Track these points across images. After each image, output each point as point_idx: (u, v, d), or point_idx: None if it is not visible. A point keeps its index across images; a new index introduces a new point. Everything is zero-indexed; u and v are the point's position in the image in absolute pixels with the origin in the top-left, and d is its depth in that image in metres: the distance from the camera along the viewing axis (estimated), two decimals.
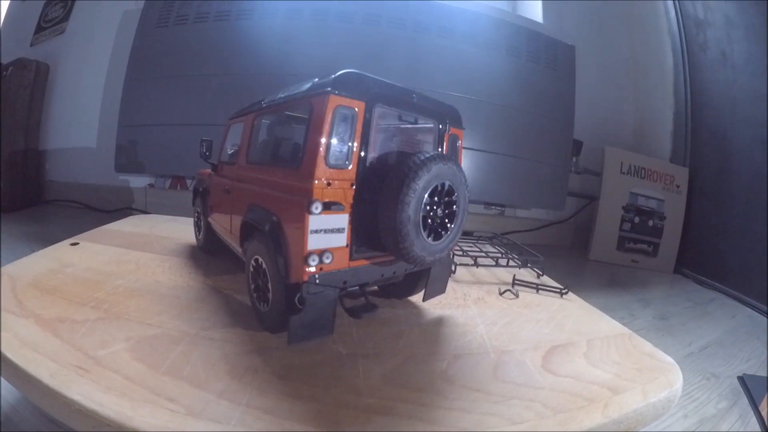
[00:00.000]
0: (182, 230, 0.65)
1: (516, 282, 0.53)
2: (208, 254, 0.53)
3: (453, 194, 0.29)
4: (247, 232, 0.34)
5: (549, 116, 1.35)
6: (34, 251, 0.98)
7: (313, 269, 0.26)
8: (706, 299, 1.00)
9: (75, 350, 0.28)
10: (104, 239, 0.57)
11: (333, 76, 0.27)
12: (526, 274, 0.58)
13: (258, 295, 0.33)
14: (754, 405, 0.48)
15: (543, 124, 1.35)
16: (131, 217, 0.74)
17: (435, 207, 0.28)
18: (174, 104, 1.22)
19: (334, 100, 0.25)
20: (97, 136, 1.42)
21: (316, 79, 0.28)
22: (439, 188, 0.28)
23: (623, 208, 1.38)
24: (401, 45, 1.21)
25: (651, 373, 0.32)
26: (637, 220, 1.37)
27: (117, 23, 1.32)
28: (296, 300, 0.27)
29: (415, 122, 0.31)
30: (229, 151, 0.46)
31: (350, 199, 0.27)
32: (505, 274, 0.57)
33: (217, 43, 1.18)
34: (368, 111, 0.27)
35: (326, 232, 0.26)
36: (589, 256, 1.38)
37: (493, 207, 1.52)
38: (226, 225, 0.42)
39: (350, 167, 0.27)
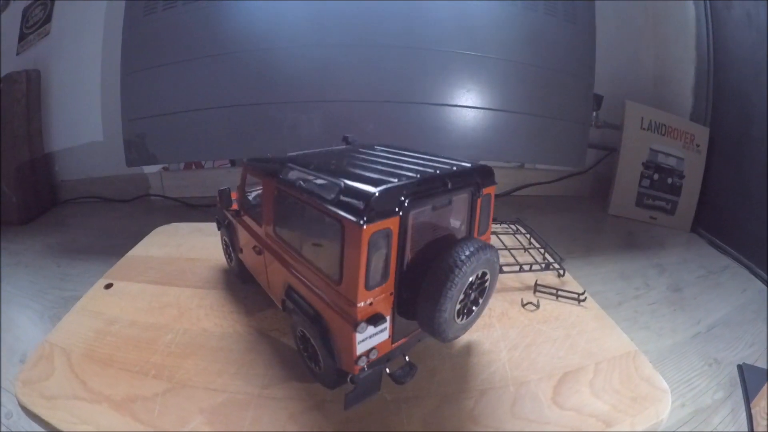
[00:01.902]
0: (210, 245, 0.64)
1: (537, 288, 0.55)
2: (242, 281, 0.54)
3: (485, 276, 0.30)
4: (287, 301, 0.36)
5: (568, 72, 1.28)
6: (60, 266, 1.01)
7: (362, 364, 0.29)
8: (720, 267, 1.02)
9: None
10: (136, 274, 0.57)
11: (363, 199, 0.25)
12: (549, 274, 0.60)
13: (308, 355, 0.36)
14: (747, 400, 0.50)
15: (562, 79, 1.28)
16: (154, 232, 0.74)
17: (470, 292, 0.30)
18: (176, 91, 1.18)
19: (369, 230, 0.25)
20: (103, 128, 1.41)
21: (342, 184, 0.27)
22: (474, 278, 0.29)
23: (643, 164, 1.36)
24: (407, 4, 1.11)
25: (643, 402, 0.35)
26: (656, 177, 1.35)
27: (103, 14, 1.24)
28: (348, 380, 0.30)
29: (449, 203, 0.31)
30: (250, 197, 0.46)
31: (390, 305, 0.29)
32: (528, 275, 0.59)
33: (211, 23, 1.11)
34: (403, 223, 0.27)
35: (371, 337, 0.28)
36: (608, 211, 1.39)
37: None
38: (262, 280, 0.43)
39: (388, 280, 0.28)
